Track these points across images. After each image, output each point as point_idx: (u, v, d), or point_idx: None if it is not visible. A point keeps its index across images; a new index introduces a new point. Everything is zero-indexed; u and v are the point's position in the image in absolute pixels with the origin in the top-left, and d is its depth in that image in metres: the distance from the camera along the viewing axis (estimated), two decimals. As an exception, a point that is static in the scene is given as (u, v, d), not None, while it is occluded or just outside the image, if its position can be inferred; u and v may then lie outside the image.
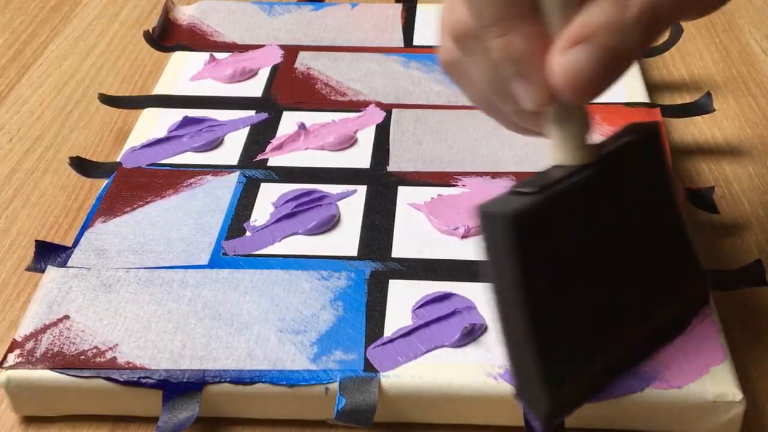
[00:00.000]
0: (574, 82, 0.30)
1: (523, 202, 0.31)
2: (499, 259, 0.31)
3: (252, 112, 0.54)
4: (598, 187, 0.33)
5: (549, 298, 0.31)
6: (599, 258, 0.33)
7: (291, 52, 0.60)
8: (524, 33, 0.30)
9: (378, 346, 0.38)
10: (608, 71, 0.30)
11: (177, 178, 0.49)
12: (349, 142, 0.51)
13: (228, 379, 0.37)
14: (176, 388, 0.37)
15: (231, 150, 0.51)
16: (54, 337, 0.39)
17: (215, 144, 0.51)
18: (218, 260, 0.43)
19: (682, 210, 0.36)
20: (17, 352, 0.39)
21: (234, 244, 0.44)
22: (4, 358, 0.38)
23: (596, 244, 0.33)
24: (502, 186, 0.47)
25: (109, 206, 0.47)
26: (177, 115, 0.53)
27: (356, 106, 0.54)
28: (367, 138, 0.52)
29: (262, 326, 0.40)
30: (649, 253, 0.35)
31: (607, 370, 0.34)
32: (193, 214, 0.46)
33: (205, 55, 0.59)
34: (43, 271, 0.43)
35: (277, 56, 0.59)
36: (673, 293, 0.36)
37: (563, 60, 0.30)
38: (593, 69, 0.29)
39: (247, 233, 0.45)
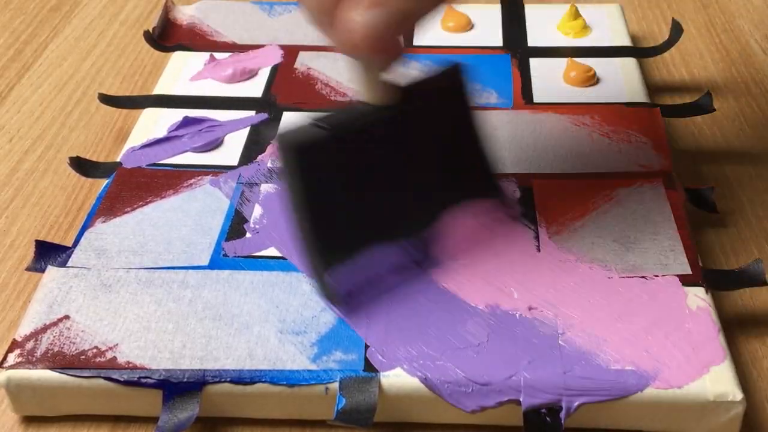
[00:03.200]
0: (366, 38, 0.35)
1: (308, 133, 0.39)
2: (286, 172, 0.39)
3: (252, 112, 0.54)
4: (394, 126, 0.41)
5: (319, 203, 0.39)
6: (384, 173, 0.41)
7: (291, 52, 0.60)
8: None
9: None
10: (396, 29, 0.36)
11: (177, 178, 0.49)
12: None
13: (228, 379, 0.37)
14: (176, 388, 0.37)
15: (231, 150, 0.51)
16: (54, 337, 0.39)
17: (215, 144, 0.51)
18: (218, 261, 0.43)
19: (481, 138, 0.44)
20: (17, 352, 0.39)
21: (234, 245, 0.44)
22: (4, 358, 0.38)
23: (382, 162, 0.41)
24: (503, 187, 0.47)
25: (109, 206, 0.47)
26: (177, 115, 0.53)
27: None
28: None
29: (263, 327, 0.40)
30: (444, 173, 0.43)
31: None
32: (193, 215, 0.46)
33: (205, 55, 0.59)
34: (43, 271, 0.43)
35: (277, 56, 0.59)
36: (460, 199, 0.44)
37: (358, 19, 0.35)
38: (385, 27, 0.35)
39: (248, 234, 0.45)
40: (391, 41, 0.36)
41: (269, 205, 0.46)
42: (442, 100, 0.43)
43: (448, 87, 0.43)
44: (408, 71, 0.40)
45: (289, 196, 0.39)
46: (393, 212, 0.42)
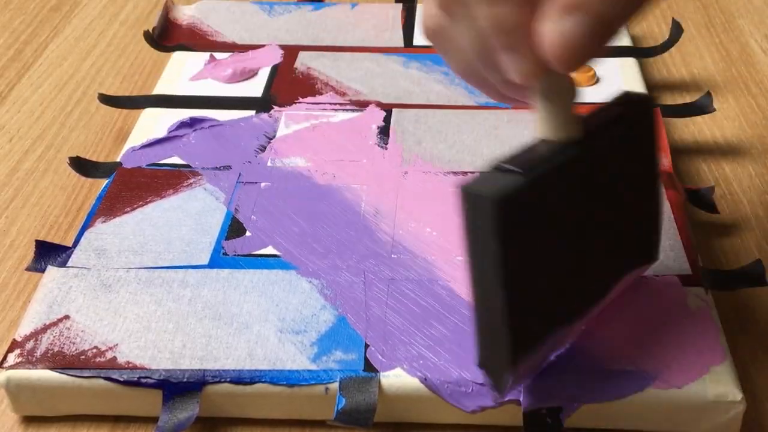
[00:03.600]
0: (565, 50, 0.29)
1: (507, 182, 0.31)
2: (482, 239, 0.31)
3: (252, 112, 0.54)
4: (582, 166, 0.33)
5: (527, 277, 0.32)
6: (575, 235, 0.34)
7: (291, 52, 0.60)
8: (514, 1, 0.30)
9: None
10: (599, 39, 0.30)
11: (177, 178, 0.49)
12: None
13: (228, 379, 0.37)
14: (176, 388, 0.37)
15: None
16: (54, 337, 0.39)
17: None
18: (218, 260, 0.43)
19: (660, 186, 0.37)
20: (17, 352, 0.39)
21: (234, 244, 0.44)
22: (4, 358, 0.38)
23: (575, 222, 0.34)
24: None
25: (109, 206, 0.47)
26: (177, 115, 0.53)
27: (356, 106, 0.54)
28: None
29: (262, 326, 0.40)
30: (619, 229, 0.36)
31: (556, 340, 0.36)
32: (193, 214, 0.46)
33: (205, 55, 0.59)
34: (43, 271, 0.43)
35: (277, 56, 0.59)
36: (627, 270, 0.38)
37: (555, 28, 0.29)
38: (585, 37, 0.29)
39: (248, 233, 0.45)
40: (590, 56, 0.30)
41: (267, 204, 0.46)
42: (627, 136, 0.35)
43: (634, 122, 0.36)
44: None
45: (475, 265, 0.32)
46: (575, 289, 0.35)
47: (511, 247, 0.31)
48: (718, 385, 0.36)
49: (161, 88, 0.56)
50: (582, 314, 0.36)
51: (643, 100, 0.36)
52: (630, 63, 0.58)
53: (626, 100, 0.36)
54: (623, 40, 0.60)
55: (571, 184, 0.33)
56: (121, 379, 0.38)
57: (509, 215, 0.31)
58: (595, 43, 0.30)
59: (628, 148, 0.35)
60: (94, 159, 0.53)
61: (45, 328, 0.40)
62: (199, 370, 0.38)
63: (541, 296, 0.33)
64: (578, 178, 0.33)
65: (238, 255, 0.43)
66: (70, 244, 0.45)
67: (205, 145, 0.51)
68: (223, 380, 0.37)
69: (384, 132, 0.52)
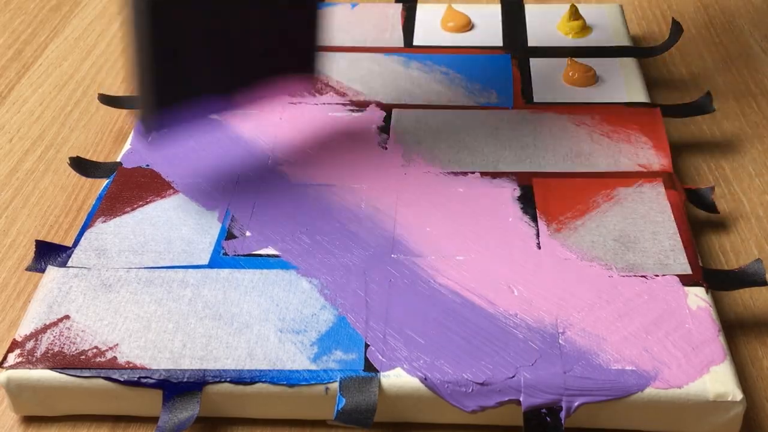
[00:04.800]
0: None
1: None
2: (133, 16, 0.42)
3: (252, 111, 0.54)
4: None
5: (174, 40, 0.43)
6: (223, 26, 0.45)
7: (291, 52, 0.60)
8: None
9: None
10: None
11: (177, 178, 0.49)
12: None
13: (228, 379, 0.37)
14: (176, 388, 0.37)
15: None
16: (54, 336, 0.39)
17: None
18: (218, 260, 0.43)
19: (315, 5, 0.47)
20: (17, 352, 0.39)
21: (234, 244, 0.44)
22: (4, 358, 0.38)
23: (223, 16, 0.45)
24: (502, 185, 0.47)
25: (109, 206, 0.47)
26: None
27: (356, 106, 0.54)
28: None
29: (262, 326, 0.40)
30: (269, 30, 0.47)
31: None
32: (193, 214, 0.46)
33: (205, 55, 0.59)
34: (43, 271, 0.43)
35: (277, 56, 0.59)
36: (279, 67, 0.48)
37: None
38: None
39: (248, 233, 0.45)
40: None
41: (267, 205, 0.46)
42: None
43: None
44: None
45: (136, 31, 0.43)
46: (227, 60, 0.46)
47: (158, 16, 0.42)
48: (718, 385, 0.36)
49: (161, 88, 0.56)
50: (228, 90, 0.47)
51: None
52: (630, 63, 0.58)
53: None
54: (623, 40, 0.60)
55: None
56: (121, 379, 0.38)
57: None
58: None
59: None
60: (94, 159, 0.53)
61: (45, 328, 0.40)
62: (199, 370, 0.38)
63: (187, 61, 0.44)
64: None
65: (238, 255, 0.43)
66: (70, 244, 0.45)
67: (204, 144, 0.51)
68: (223, 380, 0.37)
69: (384, 132, 0.52)
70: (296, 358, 0.38)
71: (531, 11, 0.64)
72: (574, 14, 0.62)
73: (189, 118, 0.46)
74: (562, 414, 0.36)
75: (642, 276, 0.41)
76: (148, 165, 0.49)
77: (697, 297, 0.40)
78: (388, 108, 0.54)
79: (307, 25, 0.48)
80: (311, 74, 0.50)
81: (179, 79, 0.45)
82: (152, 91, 0.44)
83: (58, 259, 0.44)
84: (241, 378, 0.37)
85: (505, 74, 0.57)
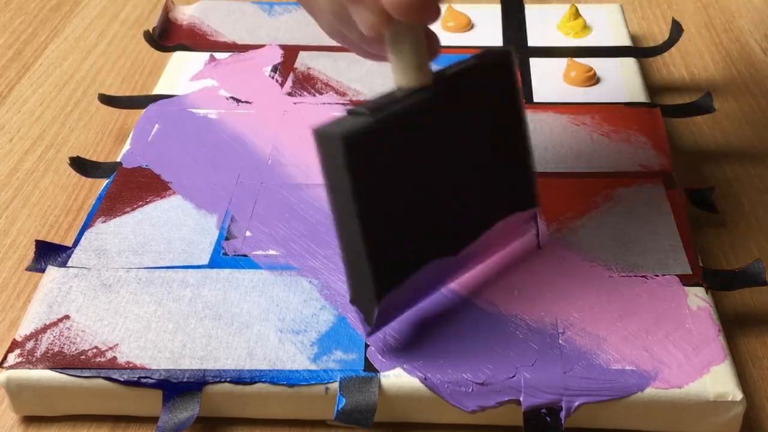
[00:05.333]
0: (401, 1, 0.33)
1: (355, 122, 0.34)
2: (335, 177, 0.34)
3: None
4: (433, 107, 0.36)
5: (383, 212, 0.35)
6: (433, 173, 0.37)
7: (291, 52, 0.60)
8: None
9: None
10: None
11: (177, 178, 0.49)
12: None
13: (228, 379, 0.37)
14: (176, 388, 0.37)
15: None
16: (54, 337, 0.39)
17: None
18: (218, 260, 0.43)
19: (527, 135, 0.41)
20: (17, 352, 0.39)
21: (234, 244, 0.44)
22: (4, 358, 0.38)
23: (431, 160, 0.37)
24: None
25: (109, 206, 0.47)
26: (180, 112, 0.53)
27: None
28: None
29: (262, 326, 0.40)
30: (486, 171, 0.39)
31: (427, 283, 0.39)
32: (193, 214, 0.46)
33: (205, 55, 0.59)
34: (43, 271, 0.43)
35: (277, 56, 0.59)
36: (502, 213, 0.40)
37: None
38: None
39: (248, 233, 0.45)
40: (426, 5, 0.33)
41: (267, 204, 0.46)
42: (485, 85, 0.39)
43: (492, 73, 0.39)
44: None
45: (335, 203, 0.35)
46: (442, 226, 0.38)
47: (362, 181, 0.34)
48: (718, 385, 0.36)
49: (161, 88, 0.56)
50: (455, 251, 0.39)
51: (501, 52, 0.40)
52: (630, 63, 0.58)
53: (484, 52, 0.39)
54: (623, 40, 0.60)
55: (423, 125, 0.36)
56: (121, 379, 0.38)
57: (356, 152, 0.34)
58: None
59: (484, 95, 0.39)
60: (94, 159, 0.53)
61: (45, 328, 0.40)
62: (199, 370, 0.38)
63: (402, 230, 0.36)
64: (431, 120, 0.36)
65: (238, 255, 0.43)
66: (70, 244, 0.45)
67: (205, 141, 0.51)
68: (223, 380, 0.37)
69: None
70: (296, 358, 0.38)
71: (531, 11, 0.64)
72: (574, 14, 0.62)
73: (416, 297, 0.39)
74: (562, 414, 0.36)
75: (642, 276, 0.41)
76: (147, 165, 0.49)
77: (697, 297, 0.40)
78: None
79: (522, 161, 0.41)
80: (534, 209, 0.42)
81: (404, 252, 0.37)
82: (371, 282, 0.35)
83: (58, 259, 0.44)
84: (241, 378, 0.37)
85: (505, 74, 0.57)
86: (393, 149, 0.35)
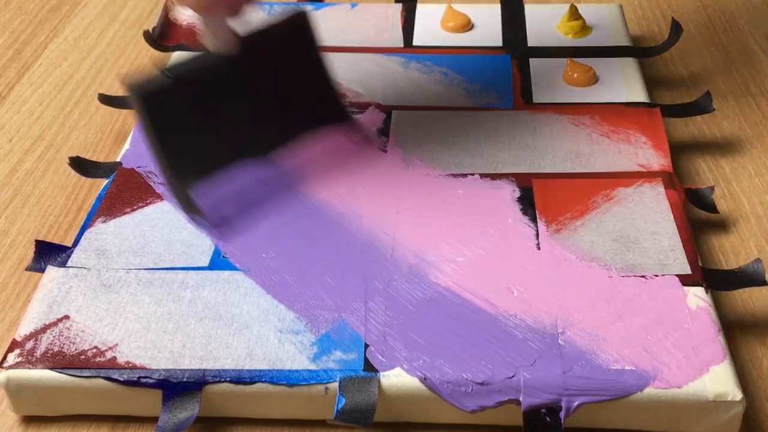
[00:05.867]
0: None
1: (156, 80, 0.45)
2: (140, 118, 0.45)
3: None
4: (238, 64, 0.46)
5: (184, 138, 0.45)
6: (236, 106, 0.47)
7: (291, 52, 0.60)
8: None
9: None
10: None
11: (177, 178, 0.49)
12: None
13: (228, 379, 0.37)
14: (176, 388, 0.37)
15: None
16: (54, 336, 0.39)
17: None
18: (218, 262, 0.43)
19: (327, 68, 0.50)
20: (17, 351, 0.39)
21: (234, 246, 0.44)
22: (4, 358, 0.38)
23: (233, 98, 0.47)
24: (502, 187, 0.47)
25: (109, 206, 0.47)
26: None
27: (356, 108, 0.54)
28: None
29: (262, 326, 0.40)
30: (293, 99, 0.49)
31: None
32: (193, 214, 0.46)
33: (205, 55, 0.59)
34: (43, 271, 0.43)
35: (277, 56, 0.59)
36: (310, 126, 0.50)
37: None
38: None
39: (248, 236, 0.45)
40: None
41: (266, 208, 0.47)
42: (286, 47, 0.49)
43: (292, 35, 0.49)
44: (250, 20, 0.46)
45: (148, 135, 0.44)
46: (250, 135, 0.48)
47: (160, 120, 0.45)
48: (718, 385, 0.36)
49: (161, 88, 0.56)
50: (264, 153, 0.48)
51: (296, 13, 0.49)
52: (630, 63, 0.58)
53: (282, 15, 0.49)
54: (623, 40, 0.60)
55: (223, 77, 0.46)
56: (121, 379, 0.38)
57: (150, 102, 0.44)
58: None
59: (284, 47, 0.49)
60: (94, 159, 0.53)
61: (45, 328, 0.40)
62: (199, 370, 0.38)
63: (207, 143, 0.46)
64: (232, 71, 0.47)
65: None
66: (70, 244, 0.45)
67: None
68: (223, 380, 0.37)
69: (384, 134, 0.52)
70: (296, 358, 0.38)
71: (531, 11, 0.64)
72: (574, 14, 0.62)
73: (235, 189, 0.47)
74: (562, 414, 0.37)
75: (642, 276, 0.41)
76: (148, 168, 0.49)
77: (697, 297, 0.40)
78: (387, 110, 0.54)
79: (326, 83, 0.51)
80: (350, 121, 0.51)
81: (206, 154, 0.46)
82: (180, 173, 0.45)
83: (58, 259, 0.44)
84: (241, 378, 0.37)
85: (505, 75, 0.57)
86: (191, 98, 0.46)
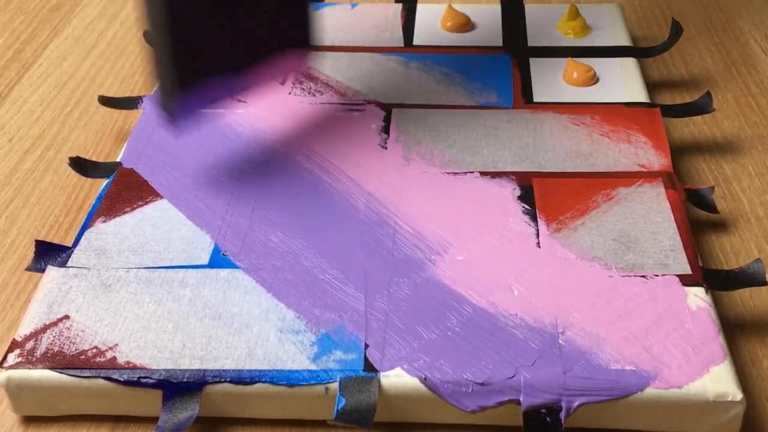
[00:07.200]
0: None
1: None
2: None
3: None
4: None
5: (186, 25, 0.45)
6: (227, 13, 0.47)
7: (291, 52, 0.60)
8: None
9: None
10: None
11: (177, 178, 0.49)
12: None
13: (228, 379, 0.37)
14: (176, 387, 0.37)
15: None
16: (54, 336, 0.39)
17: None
18: (218, 260, 0.43)
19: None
20: (17, 351, 0.39)
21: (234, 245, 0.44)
22: (4, 358, 0.38)
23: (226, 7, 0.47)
24: (502, 185, 0.47)
25: (109, 206, 0.47)
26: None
27: (356, 106, 0.54)
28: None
29: (262, 326, 0.40)
30: (268, 16, 0.49)
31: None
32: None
33: (205, 55, 0.59)
34: (43, 271, 0.43)
35: (277, 56, 0.60)
36: (283, 46, 0.51)
37: None
38: None
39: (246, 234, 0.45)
40: None
41: (266, 207, 0.47)
42: None
43: None
44: None
45: (151, 18, 0.45)
46: (230, 50, 0.48)
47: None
48: (718, 385, 0.36)
49: (161, 88, 0.56)
50: (239, 69, 0.49)
51: None
52: (630, 63, 0.58)
53: None
54: (623, 40, 0.60)
55: None
56: (121, 379, 0.38)
57: None
58: None
59: None
60: (94, 159, 0.53)
61: (45, 328, 0.40)
62: (199, 369, 0.38)
63: (198, 44, 0.46)
64: None
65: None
66: (70, 244, 0.45)
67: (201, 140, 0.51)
68: (223, 380, 0.37)
69: (384, 132, 0.52)
70: (296, 358, 0.38)
71: (531, 11, 0.64)
72: (574, 14, 0.62)
73: (208, 100, 0.48)
74: (562, 414, 0.36)
75: (642, 276, 0.41)
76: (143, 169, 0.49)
77: (697, 297, 0.40)
78: (387, 108, 0.54)
79: (302, 4, 0.52)
80: (311, 47, 0.53)
81: (195, 61, 0.47)
82: (173, 75, 0.46)
83: (58, 259, 0.44)
84: (241, 378, 0.37)
85: (505, 74, 0.57)
86: None
